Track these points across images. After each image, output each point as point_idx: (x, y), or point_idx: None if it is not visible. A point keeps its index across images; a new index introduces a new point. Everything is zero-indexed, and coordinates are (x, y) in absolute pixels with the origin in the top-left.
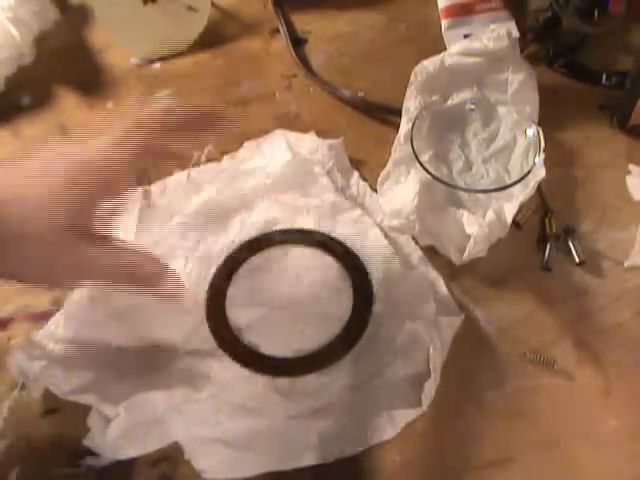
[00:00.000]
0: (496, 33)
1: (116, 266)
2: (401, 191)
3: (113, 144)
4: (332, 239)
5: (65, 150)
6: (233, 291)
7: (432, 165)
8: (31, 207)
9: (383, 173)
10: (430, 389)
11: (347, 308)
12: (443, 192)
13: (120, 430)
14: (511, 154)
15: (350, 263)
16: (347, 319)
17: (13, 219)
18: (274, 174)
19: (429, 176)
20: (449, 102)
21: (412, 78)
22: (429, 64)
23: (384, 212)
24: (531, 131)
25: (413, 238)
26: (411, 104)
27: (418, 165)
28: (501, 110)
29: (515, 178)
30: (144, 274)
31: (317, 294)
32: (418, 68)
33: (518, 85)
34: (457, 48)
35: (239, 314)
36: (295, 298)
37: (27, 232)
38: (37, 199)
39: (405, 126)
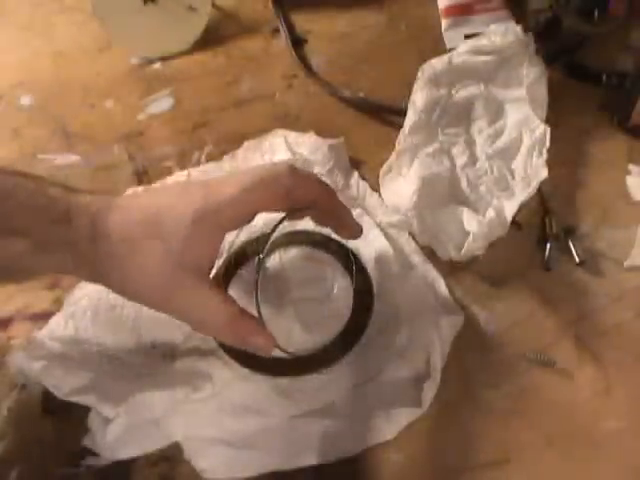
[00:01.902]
0: (503, 28)
1: (219, 318)
2: (401, 186)
3: (257, 185)
4: (332, 239)
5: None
6: (233, 291)
7: (435, 158)
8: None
9: (386, 165)
10: (430, 389)
11: (347, 308)
12: (443, 189)
13: (120, 430)
14: (516, 153)
15: (350, 263)
16: (347, 319)
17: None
18: None
19: (431, 171)
20: (456, 97)
21: (419, 74)
22: (436, 62)
23: (386, 205)
24: (539, 130)
25: (413, 237)
26: (418, 97)
27: (421, 157)
28: (508, 108)
29: (518, 177)
30: (240, 332)
31: (317, 295)
32: (425, 66)
33: (533, 79)
34: (465, 47)
35: None
36: (295, 298)
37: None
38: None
39: (411, 118)
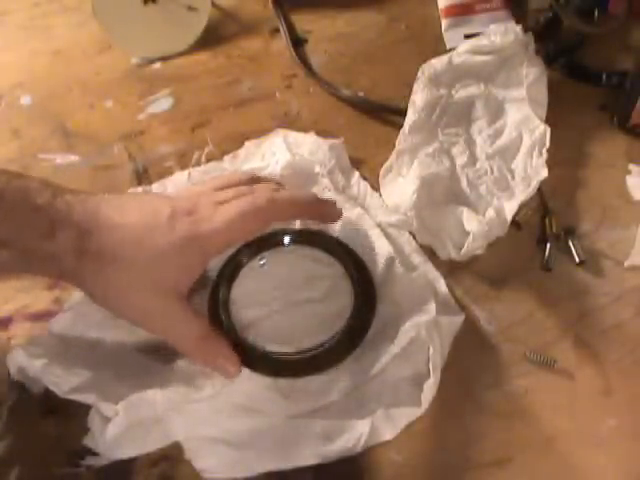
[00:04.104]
0: (503, 28)
1: (189, 339)
2: (401, 186)
3: (238, 219)
4: (333, 239)
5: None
6: (234, 291)
7: (435, 157)
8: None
9: (386, 165)
10: (430, 389)
11: (348, 309)
12: (443, 189)
13: (120, 429)
14: (516, 153)
15: (351, 263)
16: (348, 320)
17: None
18: (275, 175)
19: (431, 171)
20: (456, 97)
21: (419, 74)
22: (436, 62)
23: (386, 205)
24: (539, 130)
25: (413, 237)
26: (418, 97)
27: (420, 157)
28: (508, 108)
29: (518, 178)
30: (209, 353)
31: (317, 295)
32: (425, 66)
33: (533, 79)
34: (465, 47)
35: (240, 314)
36: (295, 299)
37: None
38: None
39: (411, 118)
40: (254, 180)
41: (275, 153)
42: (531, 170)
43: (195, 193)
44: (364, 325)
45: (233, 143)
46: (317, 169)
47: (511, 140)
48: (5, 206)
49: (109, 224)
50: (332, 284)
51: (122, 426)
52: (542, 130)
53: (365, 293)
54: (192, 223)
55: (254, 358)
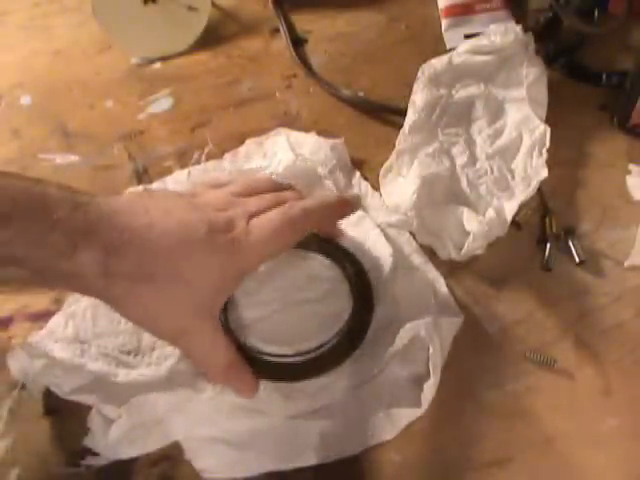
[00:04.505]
0: (503, 28)
1: (219, 363)
2: (402, 186)
3: (275, 234)
4: (333, 240)
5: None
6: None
7: (435, 157)
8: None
9: (386, 165)
10: (430, 389)
11: (347, 310)
12: (443, 188)
13: (122, 431)
14: (516, 153)
15: (351, 264)
16: (348, 321)
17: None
18: (277, 174)
19: (431, 171)
20: (456, 97)
21: (419, 74)
22: (436, 62)
23: (386, 205)
24: (539, 130)
25: (413, 236)
26: (418, 97)
27: (420, 157)
28: (508, 107)
29: (518, 178)
30: (232, 379)
31: (317, 296)
32: (425, 66)
33: (533, 79)
34: (465, 47)
35: (240, 314)
36: (295, 300)
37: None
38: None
39: (411, 118)
40: (274, 185)
41: (277, 152)
42: (531, 170)
43: (225, 201)
44: (363, 327)
45: (233, 143)
46: (320, 170)
47: (511, 140)
48: (19, 221)
49: (139, 241)
50: (331, 285)
51: (124, 427)
52: (542, 130)
53: (364, 294)
54: (230, 242)
55: (254, 363)
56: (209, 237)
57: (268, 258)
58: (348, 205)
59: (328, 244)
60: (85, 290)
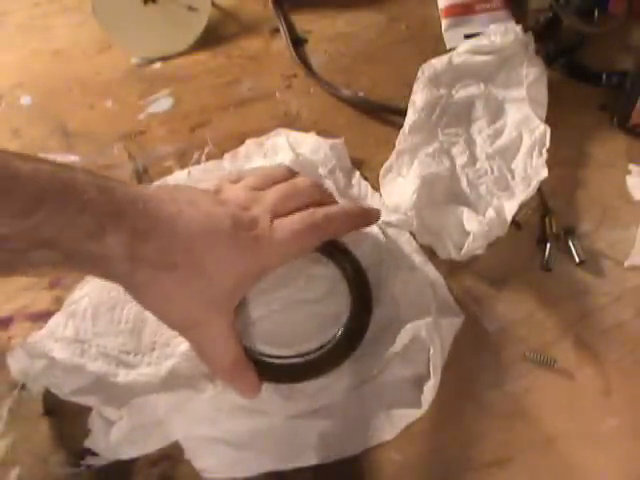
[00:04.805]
0: (503, 28)
1: (226, 359)
2: (402, 186)
3: (296, 237)
4: (333, 240)
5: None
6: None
7: (435, 157)
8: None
9: (386, 165)
10: (430, 390)
11: (347, 310)
12: (443, 188)
13: (123, 433)
14: (516, 153)
15: (350, 265)
16: (347, 322)
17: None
18: None
19: (431, 171)
20: (456, 97)
21: (419, 74)
22: (436, 62)
23: (386, 205)
24: (539, 130)
25: (413, 236)
26: (418, 97)
27: (420, 157)
28: (508, 107)
29: (518, 177)
30: (236, 378)
31: (316, 296)
32: (425, 66)
33: (533, 79)
34: (465, 47)
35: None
36: (295, 300)
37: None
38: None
39: (411, 118)
40: (293, 174)
41: (277, 152)
42: (531, 170)
43: (247, 198)
44: (362, 327)
45: (233, 143)
46: (321, 170)
47: (511, 140)
48: (50, 204)
49: (166, 227)
50: (330, 285)
51: (125, 429)
52: (542, 130)
53: (363, 295)
54: (253, 239)
55: (254, 365)
56: (233, 232)
57: (287, 260)
58: (370, 216)
59: (327, 244)
60: (110, 275)
